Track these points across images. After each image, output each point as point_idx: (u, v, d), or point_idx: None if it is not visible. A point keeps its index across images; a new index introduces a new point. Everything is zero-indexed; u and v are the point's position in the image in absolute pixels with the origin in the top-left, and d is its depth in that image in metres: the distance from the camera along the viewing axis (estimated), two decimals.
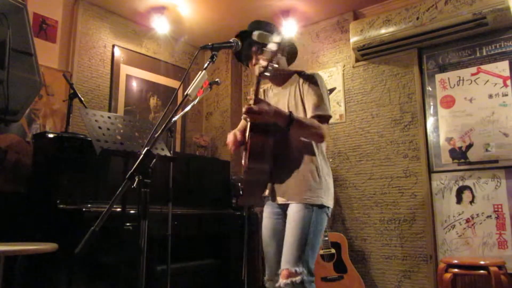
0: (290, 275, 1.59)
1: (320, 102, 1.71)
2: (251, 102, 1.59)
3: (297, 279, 1.58)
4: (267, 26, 1.84)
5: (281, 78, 1.89)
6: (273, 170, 1.77)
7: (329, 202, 1.76)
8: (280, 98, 1.86)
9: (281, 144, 1.75)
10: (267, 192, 1.83)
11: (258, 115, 1.56)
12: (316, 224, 1.67)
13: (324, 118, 1.69)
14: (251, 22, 1.88)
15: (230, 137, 1.87)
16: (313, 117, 1.69)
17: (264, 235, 1.86)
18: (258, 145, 1.68)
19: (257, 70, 1.62)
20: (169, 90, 4.20)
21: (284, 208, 1.78)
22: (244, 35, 1.82)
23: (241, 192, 1.93)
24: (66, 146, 2.59)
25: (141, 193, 1.33)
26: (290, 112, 1.63)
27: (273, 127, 1.70)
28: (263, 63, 1.54)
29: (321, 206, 1.71)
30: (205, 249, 3.24)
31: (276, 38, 1.52)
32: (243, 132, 1.89)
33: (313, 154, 1.75)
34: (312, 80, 1.76)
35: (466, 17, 2.92)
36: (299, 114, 1.75)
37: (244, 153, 1.80)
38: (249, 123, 1.73)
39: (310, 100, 1.73)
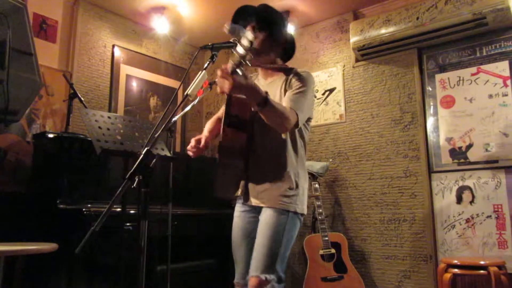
0: (259, 282, 1.54)
1: (297, 100, 1.61)
2: (229, 67, 1.44)
3: (267, 287, 1.53)
4: (274, 13, 1.73)
5: (269, 72, 1.81)
6: (248, 168, 1.70)
7: (304, 209, 1.70)
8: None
9: (258, 143, 1.69)
10: (239, 192, 1.76)
11: (234, 86, 1.41)
12: (289, 231, 1.62)
13: (294, 113, 1.58)
14: (261, 4, 1.74)
15: (192, 142, 1.77)
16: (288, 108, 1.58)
17: (234, 236, 1.78)
18: (228, 140, 1.62)
19: (229, 66, 1.44)
20: (169, 90, 4.20)
21: (257, 209, 1.71)
22: (244, 11, 1.74)
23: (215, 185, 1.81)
24: (66, 146, 2.59)
25: (141, 193, 1.33)
26: (267, 93, 1.49)
27: (249, 123, 1.62)
28: (229, 66, 1.41)
29: (295, 213, 1.65)
30: (205, 249, 3.24)
31: (248, 36, 1.36)
32: (217, 125, 1.82)
33: (292, 157, 1.69)
34: (298, 79, 1.66)
35: (466, 17, 2.92)
36: None
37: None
38: (224, 114, 1.65)
39: (288, 94, 1.65)
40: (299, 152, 1.73)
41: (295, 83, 1.68)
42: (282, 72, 1.78)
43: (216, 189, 1.77)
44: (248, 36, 1.35)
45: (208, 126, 1.92)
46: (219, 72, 1.43)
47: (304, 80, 1.67)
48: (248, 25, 1.71)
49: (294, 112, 1.57)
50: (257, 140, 1.71)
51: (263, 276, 1.54)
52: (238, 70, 1.40)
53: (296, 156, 1.71)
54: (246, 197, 1.72)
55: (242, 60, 1.39)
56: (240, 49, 1.38)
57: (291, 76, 1.71)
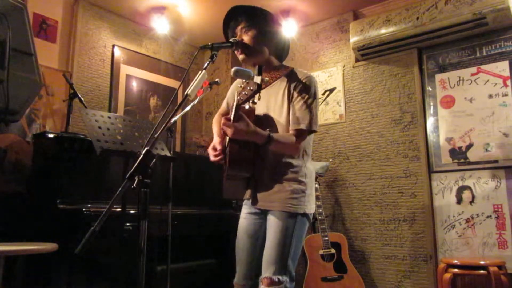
0: (272, 283, 1.56)
1: (305, 114, 1.66)
2: (235, 102, 1.56)
3: (280, 287, 1.56)
4: (262, 11, 1.76)
5: (269, 76, 1.81)
6: (255, 172, 1.71)
7: (312, 208, 1.72)
8: (264, 97, 1.78)
9: (263, 147, 1.68)
10: (247, 195, 1.76)
11: (235, 133, 1.55)
12: (298, 233, 1.64)
13: (305, 132, 1.66)
14: (250, 5, 1.77)
15: (211, 152, 1.79)
16: (293, 130, 1.66)
17: (238, 236, 1.78)
18: (237, 153, 1.64)
19: (236, 100, 1.58)
20: (169, 90, 4.20)
21: (264, 212, 1.72)
22: (234, 12, 1.76)
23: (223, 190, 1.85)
24: (66, 146, 2.59)
25: (141, 193, 1.33)
26: (269, 133, 1.59)
27: None
28: (242, 97, 1.52)
29: (304, 214, 1.67)
30: (205, 249, 3.24)
31: (256, 79, 1.48)
32: (223, 137, 1.82)
33: (298, 158, 1.70)
34: (304, 86, 1.69)
35: (466, 17, 2.92)
36: (283, 115, 1.69)
37: (224, 159, 1.74)
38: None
39: (295, 112, 1.68)
40: (304, 151, 1.73)
41: (299, 93, 1.70)
42: (283, 74, 1.78)
43: (224, 192, 1.79)
44: (256, 79, 1.49)
45: (216, 128, 1.91)
46: (223, 120, 1.59)
47: (307, 89, 1.70)
48: (238, 24, 1.74)
49: (302, 132, 1.66)
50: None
51: (275, 278, 1.56)
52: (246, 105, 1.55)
53: (301, 155, 1.71)
54: (254, 200, 1.73)
55: (251, 99, 1.52)
56: (248, 88, 1.51)
57: (293, 83, 1.72)
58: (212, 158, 1.75)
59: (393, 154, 3.35)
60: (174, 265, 2.63)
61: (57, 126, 3.26)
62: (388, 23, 3.26)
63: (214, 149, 1.76)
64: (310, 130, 1.67)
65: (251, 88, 1.50)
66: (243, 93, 1.52)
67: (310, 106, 1.67)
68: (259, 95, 1.52)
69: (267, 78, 1.55)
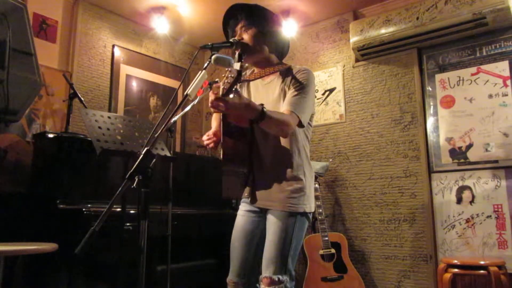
0: (272, 282, 1.56)
1: (298, 101, 1.63)
2: (220, 92, 1.47)
3: (280, 287, 1.56)
4: (262, 10, 1.75)
5: (267, 72, 1.80)
6: (253, 172, 1.71)
7: (312, 207, 1.71)
8: (262, 92, 1.79)
9: (261, 146, 1.69)
10: (246, 194, 1.76)
11: (226, 107, 1.43)
12: (298, 232, 1.64)
13: (295, 117, 1.61)
14: (250, 3, 1.76)
15: (204, 137, 1.75)
16: (287, 111, 1.61)
17: (234, 234, 1.77)
18: (229, 148, 1.63)
19: (220, 90, 1.49)
20: (169, 90, 4.20)
21: (263, 211, 1.71)
22: (234, 10, 1.76)
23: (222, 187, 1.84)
24: (66, 146, 2.59)
25: (141, 193, 1.33)
26: (262, 107, 1.51)
27: (247, 130, 1.63)
28: (225, 86, 1.45)
29: (304, 213, 1.67)
30: (205, 249, 3.24)
31: (235, 66, 1.44)
32: (219, 129, 1.79)
33: (298, 157, 1.69)
34: (296, 80, 1.68)
35: (466, 17, 2.92)
36: (279, 110, 1.67)
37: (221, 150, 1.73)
38: (222, 124, 1.65)
39: (288, 96, 1.66)
40: (303, 150, 1.73)
41: (294, 83, 1.68)
42: (280, 71, 1.78)
43: (222, 190, 1.78)
44: (235, 66, 1.44)
45: (215, 124, 1.88)
46: (212, 96, 1.46)
47: (303, 80, 1.69)
48: (238, 23, 1.73)
49: (295, 115, 1.60)
50: (260, 143, 1.71)
51: (275, 277, 1.56)
52: (231, 95, 1.45)
53: (300, 154, 1.71)
54: (253, 199, 1.73)
55: (234, 87, 1.44)
56: (230, 76, 1.45)
57: (290, 76, 1.72)
58: (205, 143, 1.73)
59: (393, 154, 3.35)
60: (174, 265, 2.63)
61: (57, 126, 3.26)
62: (388, 23, 3.26)
63: (207, 135, 1.73)
64: (299, 121, 1.62)
65: (232, 75, 1.46)
66: (226, 81, 1.47)
67: (300, 99, 1.64)
68: (239, 80, 1.45)
69: (246, 64, 1.52)
